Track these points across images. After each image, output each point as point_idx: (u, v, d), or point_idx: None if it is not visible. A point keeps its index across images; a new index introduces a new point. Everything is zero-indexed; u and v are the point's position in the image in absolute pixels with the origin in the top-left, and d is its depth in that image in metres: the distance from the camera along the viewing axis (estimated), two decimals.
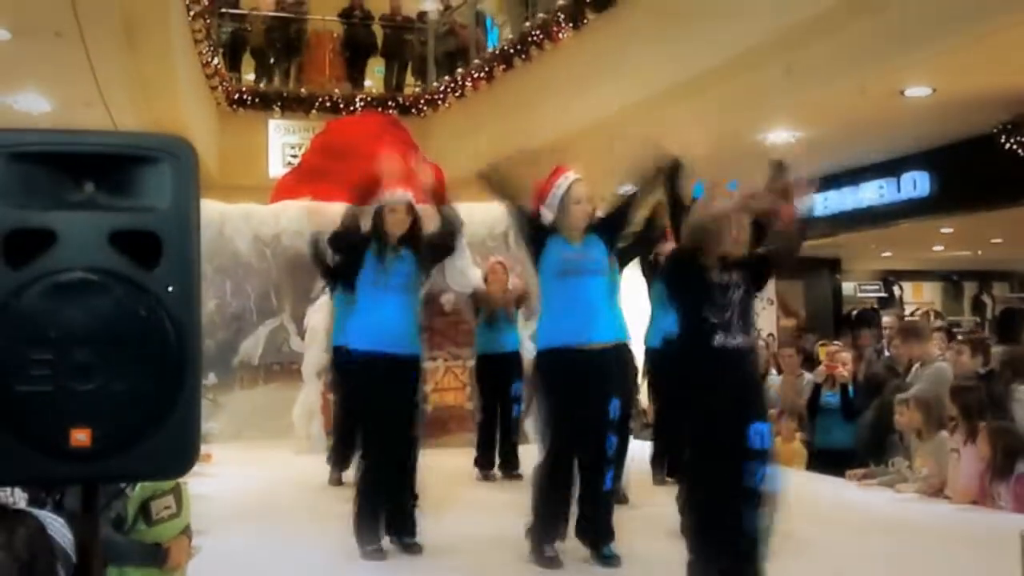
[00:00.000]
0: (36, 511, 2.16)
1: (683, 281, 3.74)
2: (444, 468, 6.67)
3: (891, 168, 10.94)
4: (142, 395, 1.59)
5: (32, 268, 1.57)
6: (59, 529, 2.12)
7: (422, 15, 14.76)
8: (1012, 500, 5.18)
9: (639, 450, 6.17)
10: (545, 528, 4.32)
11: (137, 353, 1.59)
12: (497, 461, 6.86)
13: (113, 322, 1.58)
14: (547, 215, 4.41)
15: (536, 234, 4.43)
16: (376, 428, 4.59)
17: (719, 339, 3.57)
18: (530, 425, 7.04)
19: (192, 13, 10.31)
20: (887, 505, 5.63)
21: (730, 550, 3.51)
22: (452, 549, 4.62)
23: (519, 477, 6.52)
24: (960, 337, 7.60)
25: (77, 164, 1.63)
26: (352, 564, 4.42)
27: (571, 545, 4.41)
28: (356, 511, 4.54)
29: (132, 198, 1.64)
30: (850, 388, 7.00)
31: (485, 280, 7.09)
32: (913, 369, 6.62)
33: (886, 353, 8.55)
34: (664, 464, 6.17)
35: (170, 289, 1.62)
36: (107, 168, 1.65)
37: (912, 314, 16.29)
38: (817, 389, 7.10)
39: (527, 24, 11.72)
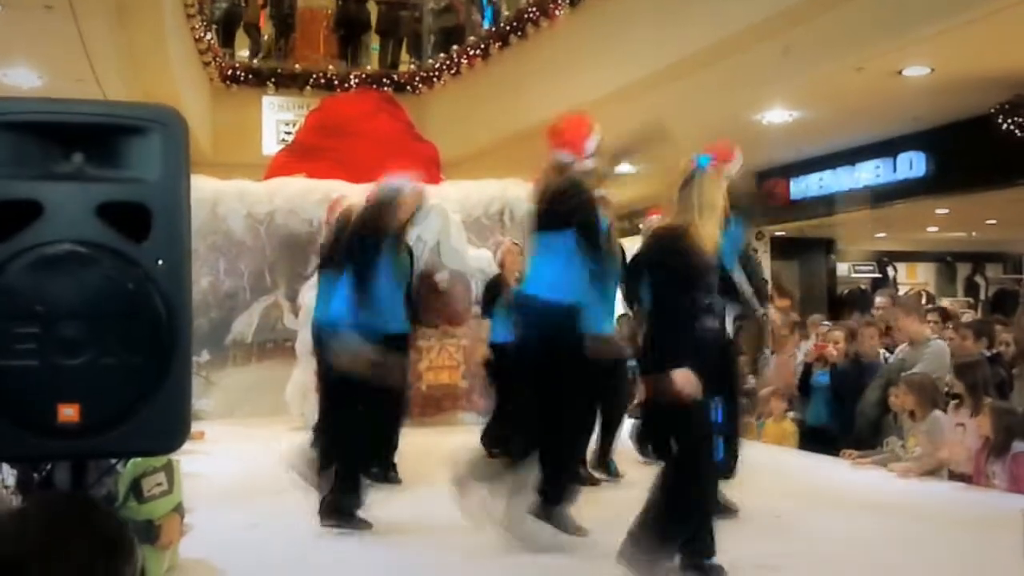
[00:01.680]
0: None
1: (676, 260, 3.58)
2: (436, 446, 6.65)
3: (888, 148, 10.90)
4: (131, 370, 1.56)
5: (18, 240, 1.53)
6: None
7: None
8: (1007, 478, 5.19)
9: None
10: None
11: (126, 327, 1.55)
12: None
13: (101, 296, 1.54)
14: (588, 163, 4.25)
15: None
16: (364, 394, 4.57)
17: (705, 321, 3.56)
18: None
19: None
20: (882, 484, 5.63)
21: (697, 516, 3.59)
22: (437, 527, 4.59)
23: None
24: (965, 318, 7.56)
25: (65, 134, 1.59)
26: (343, 541, 4.40)
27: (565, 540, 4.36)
28: (339, 480, 4.56)
29: (121, 169, 1.60)
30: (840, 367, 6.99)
31: (501, 265, 6.59)
32: (901, 348, 6.61)
33: None
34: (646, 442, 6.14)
35: (160, 262, 1.59)
36: (95, 139, 1.60)
37: (904, 295, 16.31)
38: (808, 368, 7.10)
39: (523, 1, 11.64)
